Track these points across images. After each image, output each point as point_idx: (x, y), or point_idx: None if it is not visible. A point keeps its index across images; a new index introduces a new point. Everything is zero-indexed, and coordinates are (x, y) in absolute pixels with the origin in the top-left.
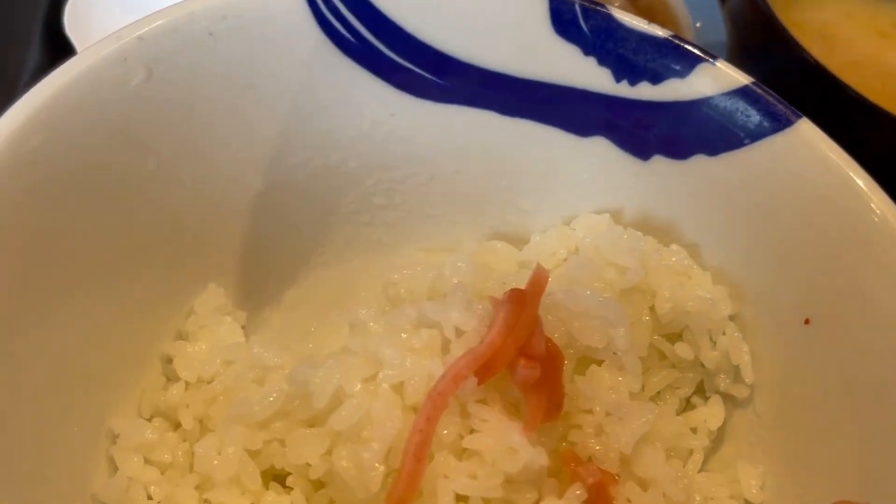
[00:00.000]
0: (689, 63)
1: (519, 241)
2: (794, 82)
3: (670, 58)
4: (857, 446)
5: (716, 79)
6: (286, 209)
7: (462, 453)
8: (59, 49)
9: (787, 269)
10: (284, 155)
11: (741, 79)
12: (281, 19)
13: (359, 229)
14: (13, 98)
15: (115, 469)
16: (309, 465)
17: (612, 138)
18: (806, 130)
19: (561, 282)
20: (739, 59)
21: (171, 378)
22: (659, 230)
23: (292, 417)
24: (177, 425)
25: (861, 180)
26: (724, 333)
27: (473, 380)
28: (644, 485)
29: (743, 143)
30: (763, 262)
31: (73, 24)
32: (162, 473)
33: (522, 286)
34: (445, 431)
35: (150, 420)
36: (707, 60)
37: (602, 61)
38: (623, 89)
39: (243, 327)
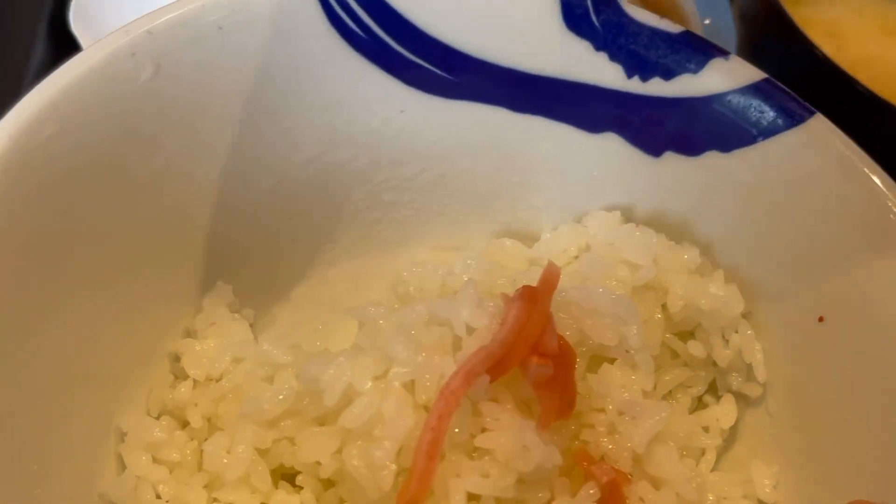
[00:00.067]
0: (702, 59)
1: (529, 239)
2: (803, 79)
3: (683, 53)
4: (872, 446)
5: (729, 74)
6: (294, 206)
7: (474, 452)
8: (64, 46)
9: (801, 266)
10: (293, 151)
11: (754, 75)
12: (290, 14)
13: (367, 227)
14: (18, 94)
15: (123, 468)
16: (319, 463)
17: (623, 135)
18: (820, 127)
19: (572, 279)
20: (748, 55)
21: (180, 376)
22: (671, 227)
23: (302, 416)
24: (185, 424)
25: (877, 177)
26: (736, 332)
27: (486, 378)
28: (657, 484)
29: (756, 140)
30: (776, 259)
31: (78, 20)
32: (170, 472)
33: (533, 284)
34: (457, 430)
35: (158, 418)
36: (720, 56)
37: (614, 57)
38: (635, 85)
39: (251, 325)
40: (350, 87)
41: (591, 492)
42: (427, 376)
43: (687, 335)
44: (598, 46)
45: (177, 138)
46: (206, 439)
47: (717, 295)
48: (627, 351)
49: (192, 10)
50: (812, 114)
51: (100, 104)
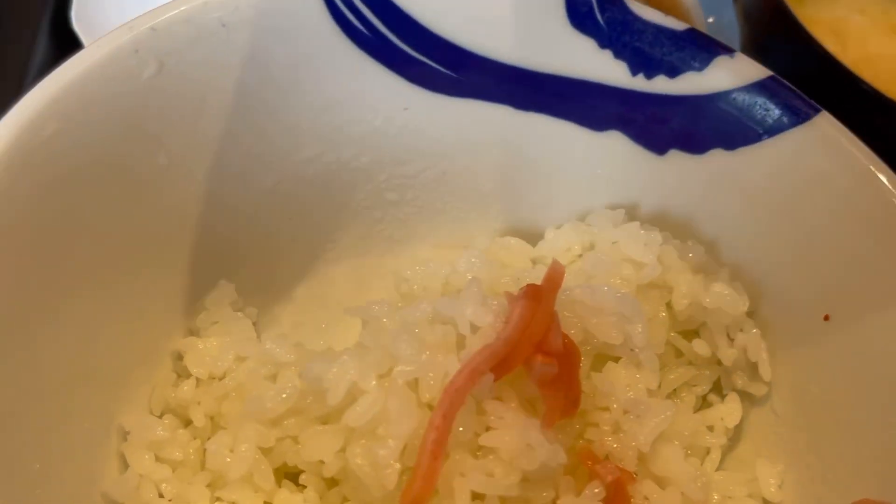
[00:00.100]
0: (707, 56)
1: (532, 237)
2: (807, 77)
3: (688, 51)
4: (878, 445)
5: (734, 72)
6: (297, 205)
7: (478, 451)
8: (66, 44)
9: (807, 264)
10: (296, 150)
11: (760, 72)
12: (294, 11)
13: (370, 225)
14: (20, 93)
15: (126, 467)
16: (323, 462)
17: (627, 132)
18: (826, 124)
19: (577, 278)
20: (752, 54)
21: (182, 375)
22: (675, 225)
23: (305, 414)
24: (187, 422)
25: (883, 175)
26: (741, 330)
27: (490, 376)
28: (662, 483)
29: (761, 138)
30: (782, 257)
31: (80, 18)
32: (173, 471)
33: (538, 282)
34: (461, 428)
35: (160, 417)
36: (725, 53)
37: (618, 54)
38: (639, 83)
39: (254, 324)
40: (353, 85)
41: (596, 490)
42: (431, 375)
43: (691, 334)
44: (603, 44)
45: (179, 137)
46: (208, 438)
47: (722, 293)
48: (632, 349)
49: (195, 7)
50: (818, 111)
51: (102, 102)
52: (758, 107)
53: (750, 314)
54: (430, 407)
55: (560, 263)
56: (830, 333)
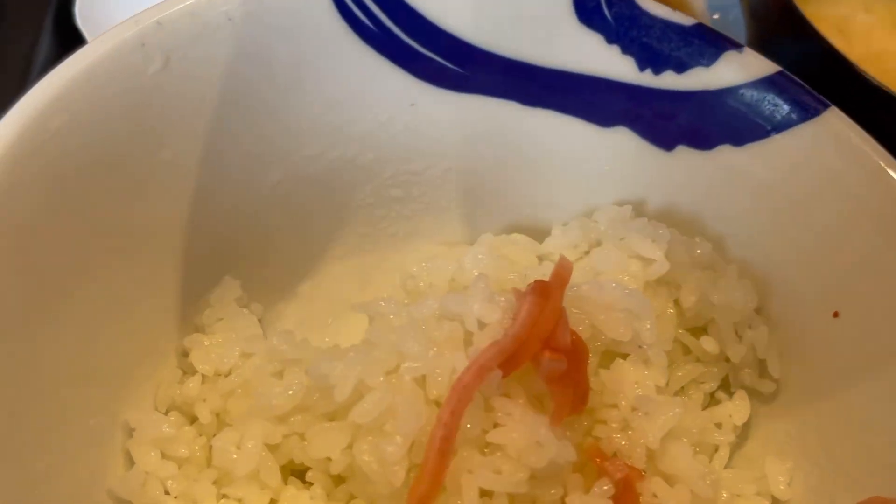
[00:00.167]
0: (715, 51)
1: (538, 234)
2: (814, 74)
3: (696, 46)
4: (887, 442)
5: (742, 67)
6: (302, 201)
7: (486, 448)
8: (70, 41)
9: (816, 261)
10: (301, 146)
11: (768, 67)
12: (301, 5)
13: (375, 222)
14: (24, 90)
15: (132, 463)
16: (329, 459)
17: (634, 128)
18: (835, 120)
19: (584, 274)
20: (758, 50)
21: (188, 371)
22: (683, 222)
23: (312, 411)
24: (193, 419)
25: (893, 171)
26: (750, 327)
27: (498, 373)
28: (671, 480)
29: (770, 133)
30: (790, 254)
31: (84, 16)
32: (179, 468)
33: (544, 279)
34: (469, 425)
35: (166, 414)
36: (733, 49)
37: (626, 50)
38: (647, 78)
39: (259, 320)
40: (359, 81)
41: (605, 488)
42: (438, 371)
43: (699, 331)
44: (611, 39)
45: (183, 132)
46: (214, 435)
47: (731, 290)
48: (640, 346)
49: (201, 1)
50: (827, 107)
51: (108, 97)
52: (766, 102)
53: (758, 311)
54: (438, 404)
55: (568, 259)
56: (840, 330)
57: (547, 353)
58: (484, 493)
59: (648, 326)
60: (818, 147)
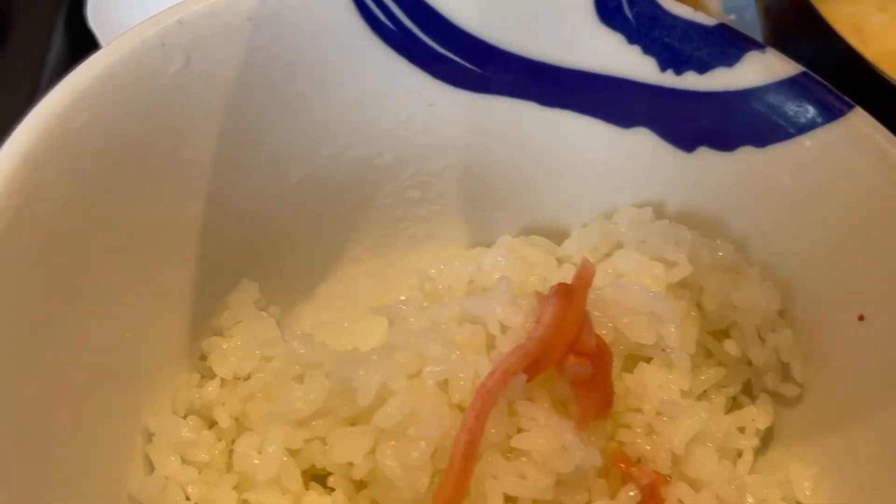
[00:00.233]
0: (738, 52)
1: (556, 235)
2: (831, 73)
3: (718, 47)
4: None
5: (765, 68)
6: (320, 202)
7: (510, 453)
8: (82, 41)
9: (840, 263)
10: (319, 146)
11: (791, 68)
12: (321, 5)
13: (392, 223)
14: (37, 89)
15: (151, 468)
16: (352, 464)
17: (655, 129)
18: (859, 121)
19: (605, 277)
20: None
21: (206, 375)
22: (704, 224)
23: (334, 415)
24: (211, 423)
25: None
26: (773, 330)
27: (523, 377)
28: (696, 486)
29: (793, 135)
30: (814, 256)
31: (96, 16)
32: (199, 473)
33: (565, 281)
34: (493, 430)
35: (184, 418)
36: (756, 49)
37: (647, 50)
38: (668, 79)
39: (276, 323)
40: (378, 81)
41: (632, 494)
42: (461, 375)
43: (721, 334)
44: (632, 39)
45: (203, 132)
46: (233, 439)
47: (753, 293)
48: (664, 350)
49: (222, 1)
50: (851, 108)
51: (129, 96)
52: (789, 103)
53: (781, 314)
54: (461, 408)
55: (590, 262)
56: (866, 334)
57: (572, 358)
58: (508, 499)
59: (673, 329)
60: (842, 148)
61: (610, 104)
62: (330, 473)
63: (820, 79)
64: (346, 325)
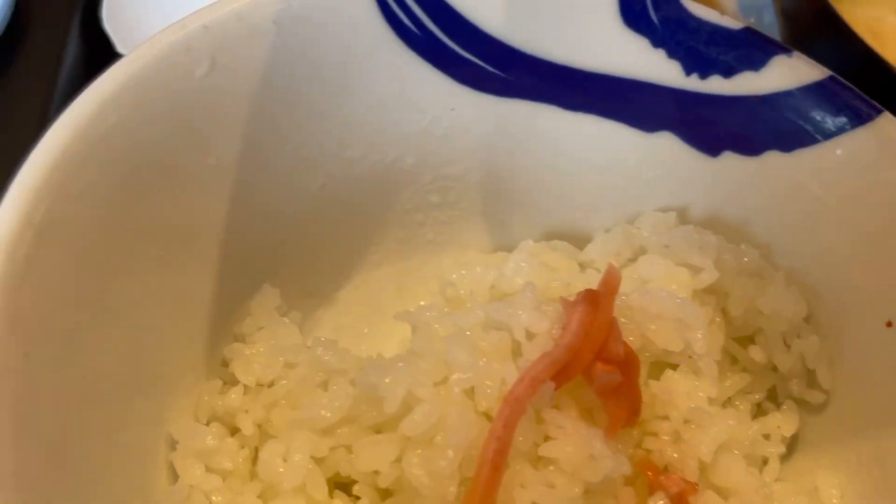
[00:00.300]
0: (764, 56)
1: (578, 240)
2: (850, 76)
3: (744, 50)
4: None
5: (792, 72)
6: (341, 206)
7: (538, 461)
8: (96, 43)
9: (868, 269)
10: (342, 150)
11: (819, 72)
12: (345, 9)
13: (413, 228)
14: (53, 91)
15: (175, 476)
16: (377, 472)
17: (679, 133)
18: (888, 126)
19: (630, 283)
20: None
21: (228, 382)
22: (728, 229)
23: (359, 423)
24: (234, 430)
25: None
26: (798, 336)
27: (551, 385)
28: (723, 494)
29: (820, 139)
30: (841, 262)
31: (110, 18)
32: (223, 481)
33: (588, 287)
34: (521, 438)
35: (207, 425)
36: (783, 53)
37: (672, 54)
38: (693, 83)
39: (298, 328)
40: (401, 85)
41: (661, 502)
42: (488, 383)
43: (746, 340)
44: (656, 43)
45: (228, 137)
46: (256, 447)
47: (779, 298)
48: (691, 356)
49: (247, 5)
50: (880, 113)
51: (155, 101)
52: (817, 108)
53: (807, 320)
54: (487, 416)
55: (616, 268)
56: (894, 340)
57: (600, 365)
58: None
59: (700, 336)
60: (870, 153)
61: (634, 108)
62: (355, 481)
63: (848, 83)
64: (366, 330)
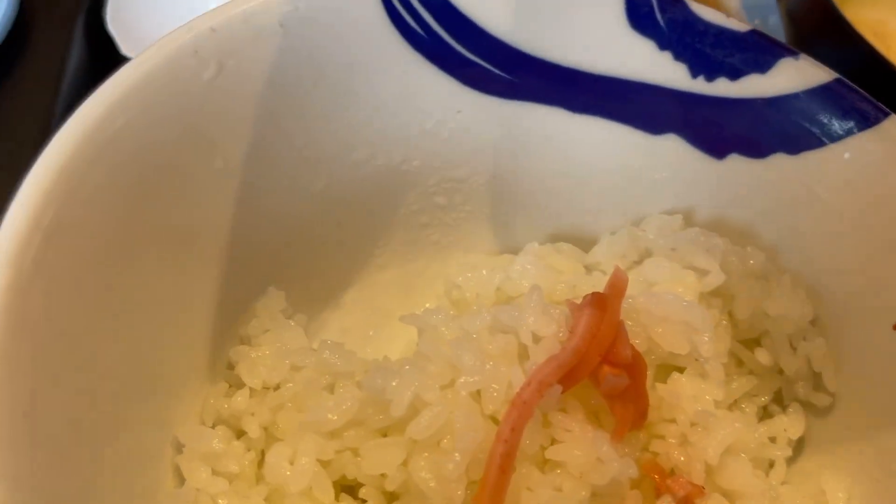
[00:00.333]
0: (771, 59)
1: (583, 243)
2: (855, 78)
3: (751, 53)
4: None
5: (798, 75)
6: (346, 209)
7: (544, 465)
8: (101, 45)
9: (874, 272)
10: (347, 152)
11: (825, 75)
12: (351, 11)
13: (418, 230)
14: (58, 92)
15: (182, 479)
16: (384, 476)
17: (685, 136)
18: (895, 129)
19: (636, 286)
20: None
21: (234, 384)
22: (734, 231)
23: (366, 426)
24: (240, 433)
25: None
26: (804, 339)
27: (558, 388)
28: (730, 497)
29: (826, 142)
30: (847, 264)
31: (115, 19)
32: (230, 484)
33: (594, 290)
34: (528, 441)
35: (213, 428)
36: (789, 56)
37: (678, 56)
38: (699, 85)
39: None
40: (408, 87)
41: None
42: (495, 386)
43: (752, 343)
44: (663, 45)
45: (234, 140)
46: (262, 450)
47: (785, 301)
48: (697, 360)
49: (254, 7)
50: (886, 115)
51: (164, 104)
52: (823, 111)
53: (813, 322)
54: (494, 419)
55: (623, 270)
56: None
57: (607, 368)
58: None
59: (706, 339)
60: (877, 156)
61: (639, 110)
62: (361, 485)
63: (854, 86)
64: (371, 332)
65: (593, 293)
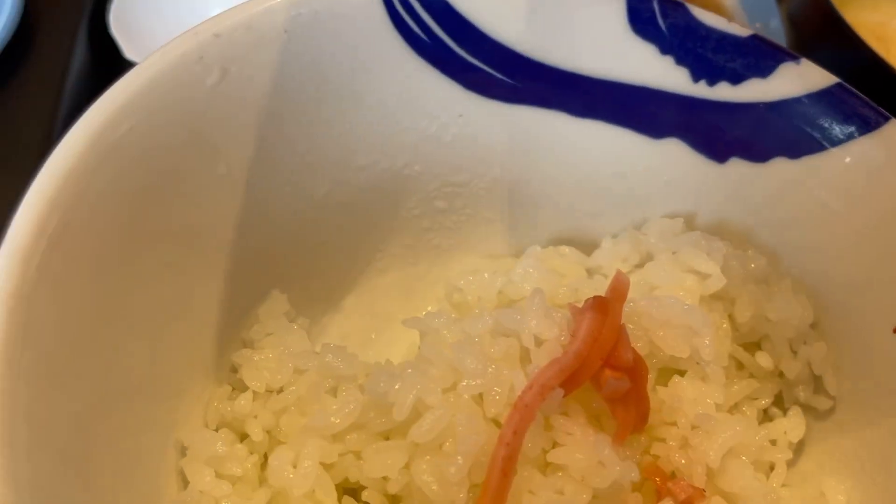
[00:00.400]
0: (772, 63)
1: (584, 246)
2: (856, 81)
3: (752, 57)
4: None
5: (800, 79)
6: (348, 213)
7: (546, 468)
8: (104, 48)
9: (874, 275)
10: (350, 157)
11: (826, 79)
12: (355, 16)
13: (419, 234)
14: (61, 95)
15: (185, 482)
16: (386, 479)
17: (687, 140)
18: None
19: (638, 289)
20: None
21: (237, 388)
22: (735, 235)
23: (368, 429)
24: (243, 437)
25: None
26: (805, 343)
27: (560, 391)
28: (731, 499)
29: (827, 146)
30: (847, 268)
31: (118, 23)
32: (233, 487)
33: (596, 293)
34: (529, 445)
35: (216, 431)
36: (791, 60)
37: (680, 61)
38: (701, 90)
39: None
40: (410, 92)
41: None
42: (497, 389)
43: (752, 346)
44: (664, 50)
45: (238, 145)
46: (265, 453)
47: (786, 305)
48: (698, 363)
49: (257, 13)
50: (887, 120)
51: (168, 110)
52: (824, 115)
53: (814, 326)
54: (496, 423)
55: (624, 274)
56: None
57: (609, 372)
58: None
59: (708, 343)
60: (878, 160)
61: (641, 115)
62: (364, 488)
63: (855, 90)
64: (373, 336)
65: (595, 297)
